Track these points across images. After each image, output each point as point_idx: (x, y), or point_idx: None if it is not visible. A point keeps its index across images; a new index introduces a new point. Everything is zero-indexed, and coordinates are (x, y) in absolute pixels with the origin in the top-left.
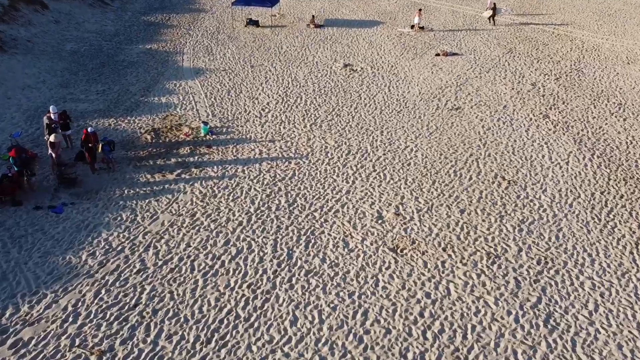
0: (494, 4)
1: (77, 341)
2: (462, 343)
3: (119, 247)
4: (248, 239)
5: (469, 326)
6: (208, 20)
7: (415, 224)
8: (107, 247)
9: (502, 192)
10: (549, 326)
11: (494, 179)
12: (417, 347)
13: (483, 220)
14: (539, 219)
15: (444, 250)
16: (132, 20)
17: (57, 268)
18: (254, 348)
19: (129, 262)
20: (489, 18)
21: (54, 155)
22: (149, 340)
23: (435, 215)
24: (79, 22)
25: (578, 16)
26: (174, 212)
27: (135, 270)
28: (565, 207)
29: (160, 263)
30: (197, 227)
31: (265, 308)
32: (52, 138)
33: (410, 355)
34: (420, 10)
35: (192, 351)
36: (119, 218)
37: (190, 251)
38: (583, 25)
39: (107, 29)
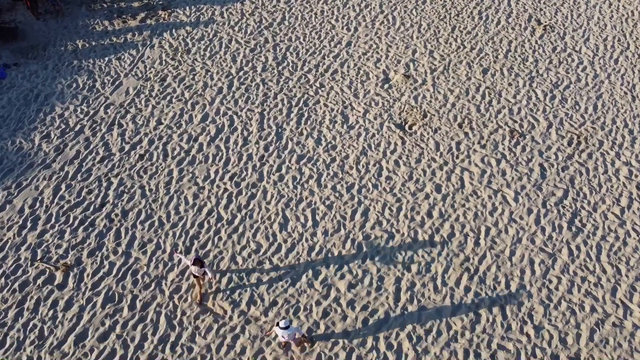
0: None
1: (39, 253)
2: (474, 251)
3: (78, 127)
4: (229, 112)
5: (483, 229)
6: None
7: (428, 90)
8: (63, 126)
9: (536, 42)
10: (574, 228)
11: (526, 24)
12: (423, 257)
13: (510, 84)
14: (576, 82)
15: (460, 127)
16: None
17: (7, 156)
18: (239, 259)
19: (91, 146)
20: None
21: None
22: (120, 250)
23: (453, 77)
24: None
25: None
26: (140, 75)
27: (98, 158)
28: (610, 64)
29: (127, 147)
30: (168, 97)
31: (250, 207)
32: None
33: (414, 267)
34: None
35: (169, 264)
36: (75, 85)
37: (161, 130)
38: None
39: None
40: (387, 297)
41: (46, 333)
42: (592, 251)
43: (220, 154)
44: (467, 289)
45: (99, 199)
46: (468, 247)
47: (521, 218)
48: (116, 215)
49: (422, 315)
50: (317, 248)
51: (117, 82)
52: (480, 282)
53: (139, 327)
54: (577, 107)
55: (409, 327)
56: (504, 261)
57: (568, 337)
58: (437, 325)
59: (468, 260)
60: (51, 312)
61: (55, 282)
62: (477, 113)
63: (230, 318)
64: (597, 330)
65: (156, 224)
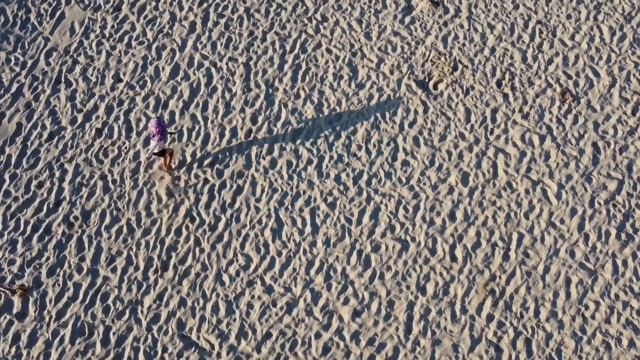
0: None
1: None
2: (501, 267)
3: (14, 86)
4: (206, 62)
5: (515, 237)
6: None
7: (462, 25)
8: None
9: None
10: (623, 236)
11: None
12: (440, 274)
13: (568, 17)
14: None
15: (498, 85)
16: None
17: None
18: (225, 278)
19: (34, 117)
20: None
21: None
22: (85, 267)
23: (496, 4)
24: None
25: None
26: (86, 1)
27: (46, 135)
28: None
29: (80, 118)
30: (126, 37)
31: (237, 206)
32: None
33: (430, 288)
34: None
35: (144, 284)
36: (3, 18)
37: (121, 92)
38: None
39: None
40: (397, 328)
41: None
42: None
43: (197, 127)
44: (490, 318)
45: (53, 196)
46: (495, 261)
47: (562, 222)
48: (76, 218)
49: (436, 352)
50: (317, 263)
51: (57, 14)
52: (505, 309)
53: None
54: None
55: None
56: (536, 281)
57: None
58: None
59: (494, 279)
60: (14, 349)
61: (14, 310)
62: (522, 64)
63: (218, 355)
64: None
65: (125, 230)
